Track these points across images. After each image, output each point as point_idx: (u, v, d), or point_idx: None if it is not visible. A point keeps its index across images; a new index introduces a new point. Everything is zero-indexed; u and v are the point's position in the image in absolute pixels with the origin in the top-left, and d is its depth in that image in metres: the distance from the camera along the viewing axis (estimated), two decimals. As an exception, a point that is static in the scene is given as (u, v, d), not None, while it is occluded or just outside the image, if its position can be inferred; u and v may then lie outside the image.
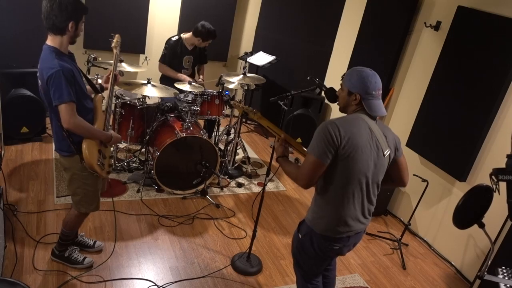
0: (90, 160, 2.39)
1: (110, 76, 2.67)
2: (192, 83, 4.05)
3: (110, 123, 2.71)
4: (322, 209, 2.12)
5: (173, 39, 4.38)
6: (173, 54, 4.36)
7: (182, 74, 4.40)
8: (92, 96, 2.56)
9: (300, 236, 2.26)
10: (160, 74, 4.53)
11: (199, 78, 4.67)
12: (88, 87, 2.56)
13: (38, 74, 2.34)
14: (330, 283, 2.58)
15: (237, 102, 2.55)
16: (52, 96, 2.23)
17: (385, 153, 2.08)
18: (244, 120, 5.92)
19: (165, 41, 4.42)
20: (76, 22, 2.31)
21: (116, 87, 4.03)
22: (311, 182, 2.02)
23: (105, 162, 2.55)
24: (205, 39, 4.31)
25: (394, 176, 2.22)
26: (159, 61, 4.41)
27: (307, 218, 2.21)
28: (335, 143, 1.95)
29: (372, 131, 2.04)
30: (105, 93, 2.63)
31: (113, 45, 2.73)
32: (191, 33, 4.34)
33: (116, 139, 2.60)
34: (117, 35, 2.75)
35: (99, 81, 3.95)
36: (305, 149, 2.30)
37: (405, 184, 2.27)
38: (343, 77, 2.14)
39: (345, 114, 2.18)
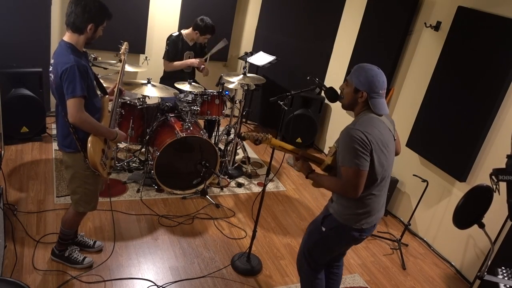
0: (94, 158, 2.40)
1: (115, 89, 2.67)
2: (192, 83, 4.06)
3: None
4: (353, 205, 2.17)
5: (174, 35, 4.40)
6: (175, 50, 4.36)
7: (186, 60, 4.40)
8: (100, 96, 2.58)
9: (323, 229, 2.29)
10: (160, 74, 4.53)
11: (200, 71, 4.65)
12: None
13: (51, 69, 2.36)
14: (338, 280, 2.66)
15: (247, 133, 2.58)
16: (65, 90, 2.25)
17: (394, 138, 2.22)
18: (244, 120, 5.92)
19: (165, 40, 4.42)
20: (96, 26, 2.35)
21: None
22: (360, 192, 2.06)
23: (107, 163, 2.57)
24: (203, 34, 4.31)
25: None
26: (163, 58, 4.41)
27: (335, 213, 2.23)
28: (367, 148, 1.99)
29: (387, 125, 2.14)
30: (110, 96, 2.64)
31: (121, 51, 2.74)
32: (190, 28, 4.35)
33: (121, 136, 2.62)
34: (125, 43, 2.77)
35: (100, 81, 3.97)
36: (321, 158, 2.37)
37: (398, 153, 2.39)
38: (348, 72, 2.15)
39: (347, 114, 2.20)
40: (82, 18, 2.28)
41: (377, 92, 2.05)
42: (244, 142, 4.68)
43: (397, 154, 2.38)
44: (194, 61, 4.39)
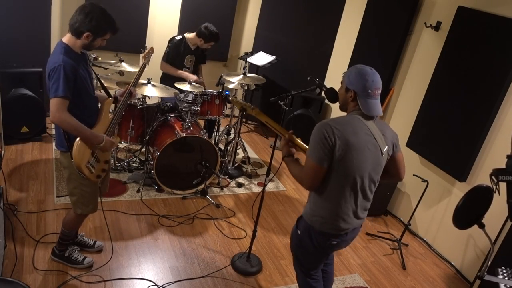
0: (78, 159, 2.36)
1: (126, 91, 2.65)
2: (193, 83, 4.06)
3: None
4: (320, 207, 2.14)
5: (177, 38, 4.39)
6: (176, 53, 4.36)
7: (184, 72, 4.40)
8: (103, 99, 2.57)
9: (299, 232, 2.28)
10: (160, 74, 4.53)
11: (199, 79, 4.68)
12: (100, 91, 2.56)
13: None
14: (328, 278, 2.62)
15: (235, 98, 2.55)
16: (50, 89, 2.25)
17: (383, 151, 2.09)
18: (244, 120, 5.92)
19: (167, 41, 4.42)
20: (94, 36, 2.33)
21: (116, 87, 4.05)
22: (313, 185, 2.07)
23: (97, 166, 2.49)
24: (207, 41, 4.31)
25: (391, 171, 2.24)
26: (162, 59, 4.41)
27: (305, 215, 2.23)
28: (330, 145, 1.96)
29: (370, 131, 2.05)
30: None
31: (143, 54, 2.72)
32: (194, 33, 4.35)
33: (108, 143, 2.48)
34: (151, 47, 2.75)
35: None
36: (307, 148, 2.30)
37: (401, 178, 2.31)
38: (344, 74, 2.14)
39: (345, 113, 2.19)
40: (81, 24, 2.28)
41: (367, 92, 2.01)
42: (244, 141, 4.68)
43: (399, 178, 2.29)
44: (191, 77, 4.36)
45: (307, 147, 2.30)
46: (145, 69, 2.78)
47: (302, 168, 2.11)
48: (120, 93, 2.70)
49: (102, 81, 2.80)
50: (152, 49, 2.78)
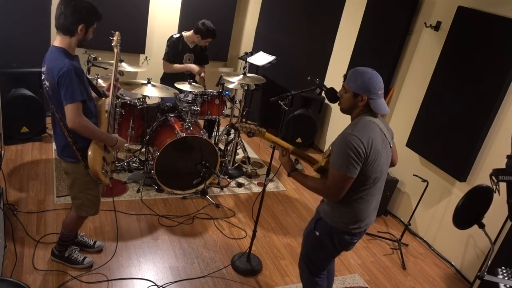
0: (96, 168, 2.38)
1: (111, 85, 2.63)
2: (192, 83, 4.06)
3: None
4: (343, 208, 2.18)
5: (175, 36, 4.40)
6: (175, 51, 4.37)
7: (187, 65, 4.41)
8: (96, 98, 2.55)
9: (317, 233, 2.30)
10: (160, 74, 4.53)
11: (199, 77, 4.67)
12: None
13: (44, 75, 2.30)
14: (331, 275, 2.67)
15: (241, 124, 2.53)
16: (63, 96, 2.19)
17: (391, 145, 2.21)
18: (244, 120, 5.92)
19: (165, 41, 4.43)
20: (87, 26, 2.30)
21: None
22: (342, 195, 2.09)
23: (108, 169, 2.54)
24: (204, 37, 4.31)
25: None
26: (163, 59, 4.42)
27: (326, 217, 2.25)
28: (362, 156, 2.00)
29: (382, 131, 2.13)
30: (108, 100, 2.61)
31: (113, 43, 2.70)
32: (192, 31, 4.36)
33: (121, 143, 2.56)
34: (117, 33, 2.71)
35: (100, 81, 3.96)
36: (314, 158, 2.37)
37: (394, 164, 2.39)
38: (345, 78, 2.15)
39: (346, 115, 2.20)
40: (73, 18, 2.23)
41: (376, 93, 2.07)
42: (244, 141, 4.68)
43: (393, 165, 2.37)
44: (194, 67, 4.40)
45: (313, 157, 2.34)
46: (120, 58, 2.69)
47: (322, 180, 2.16)
48: (106, 87, 2.68)
49: (96, 81, 2.78)
50: (118, 35, 2.73)
